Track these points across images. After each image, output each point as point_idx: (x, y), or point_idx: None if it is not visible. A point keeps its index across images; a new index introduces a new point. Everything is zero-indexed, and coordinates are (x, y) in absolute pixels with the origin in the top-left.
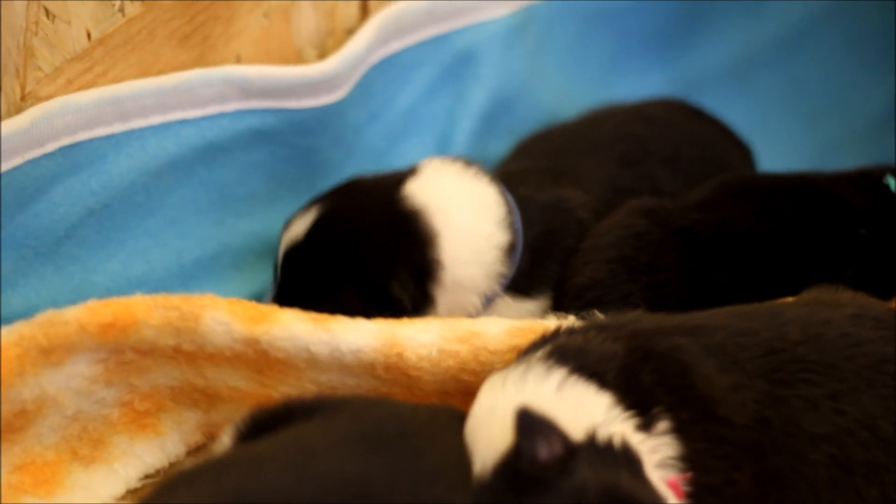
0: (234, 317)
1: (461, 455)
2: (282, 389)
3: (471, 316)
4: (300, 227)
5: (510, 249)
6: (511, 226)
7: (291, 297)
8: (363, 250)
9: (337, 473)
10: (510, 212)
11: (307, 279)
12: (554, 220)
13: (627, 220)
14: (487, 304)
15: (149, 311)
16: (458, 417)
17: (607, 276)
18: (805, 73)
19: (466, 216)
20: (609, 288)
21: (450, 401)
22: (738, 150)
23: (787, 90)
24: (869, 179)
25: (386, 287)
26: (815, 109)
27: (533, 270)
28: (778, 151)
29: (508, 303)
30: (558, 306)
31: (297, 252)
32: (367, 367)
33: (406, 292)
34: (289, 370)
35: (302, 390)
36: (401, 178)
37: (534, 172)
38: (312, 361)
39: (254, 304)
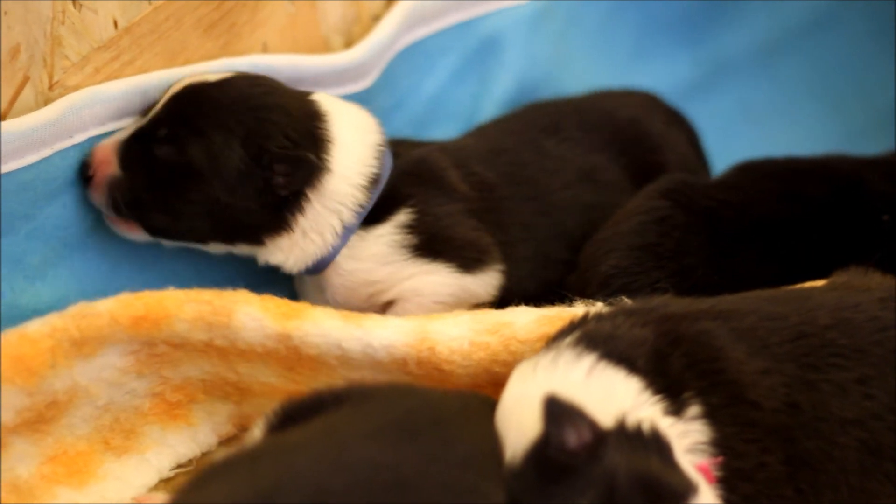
0: (267, 313)
1: (493, 443)
2: (313, 386)
3: (324, 252)
4: (210, 75)
5: (374, 180)
6: (381, 160)
7: (169, 129)
8: (268, 122)
9: (370, 463)
10: (384, 149)
11: (197, 121)
12: (416, 167)
13: (648, 204)
14: (344, 238)
15: (181, 305)
16: (488, 404)
17: (633, 264)
18: (829, 58)
19: (356, 133)
20: (636, 275)
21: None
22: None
23: (811, 75)
24: (894, 165)
25: (273, 161)
26: (839, 94)
27: (383, 202)
28: (802, 135)
29: (362, 235)
30: (584, 296)
31: (199, 89)
32: (399, 363)
33: (291, 179)
34: (320, 367)
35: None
36: (306, 92)
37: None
38: (344, 358)
39: (286, 301)
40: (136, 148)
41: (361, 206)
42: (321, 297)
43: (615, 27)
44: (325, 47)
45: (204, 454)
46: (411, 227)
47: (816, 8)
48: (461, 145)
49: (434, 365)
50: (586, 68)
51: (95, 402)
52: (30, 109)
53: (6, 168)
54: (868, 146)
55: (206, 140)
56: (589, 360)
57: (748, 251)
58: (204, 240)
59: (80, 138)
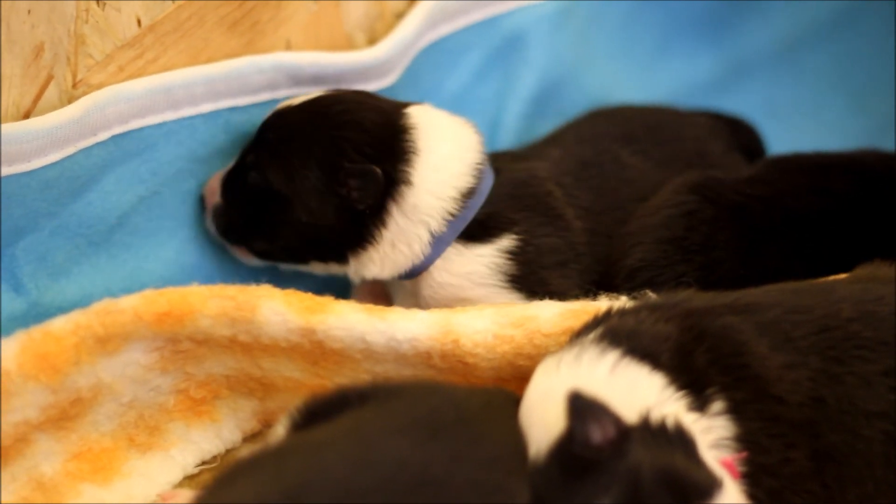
0: (290, 307)
1: (518, 440)
2: (337, 380)
3: (415, 261)
4: (300, 98)
5: (469, 194)
6: (480, 172)
7: (256, 155)
8: (342, 139)
9: (397, 461)
10: (484, 160)
11: (278, 146)
12: (521, 190)
13: (676, 198)
14: (438, 249)
15: (205, 300)
16: (512, 401)
17: (660, 257)
18: (853, 55)
19: (449, 147)
20: (662, 269)
21: (505, 387)
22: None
23: (835, 71)
24: None
25: (347, 177)
26: (863, 90)
27: (487, 221)
28: (826, 132)
29: (460, 250)
30: (610, 288)
31: (282, 113)
32: (423, 357)
33: (364, 193)
34: (344, 361)
35: (357, 381)
36: (405, 103)
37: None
38: (368, 352)
39: (310, 295)
40: (233, 176)
41: (453, 216)
42: (413, 302)
43: (637, 25)
44: (348, 44)
45: (228, 450)
46: (513, 255)
47: (838, 4)
48: (552, 158)
49: (458, 358)
50: (609, 66)
51: (120, 399)
52: (54, 108)
53: (31, 165)
54: (892, 142)
55: (284, 163)
56: (613, 356)
57: (775, 245)
58: (303, 260)
59: (103, 136)
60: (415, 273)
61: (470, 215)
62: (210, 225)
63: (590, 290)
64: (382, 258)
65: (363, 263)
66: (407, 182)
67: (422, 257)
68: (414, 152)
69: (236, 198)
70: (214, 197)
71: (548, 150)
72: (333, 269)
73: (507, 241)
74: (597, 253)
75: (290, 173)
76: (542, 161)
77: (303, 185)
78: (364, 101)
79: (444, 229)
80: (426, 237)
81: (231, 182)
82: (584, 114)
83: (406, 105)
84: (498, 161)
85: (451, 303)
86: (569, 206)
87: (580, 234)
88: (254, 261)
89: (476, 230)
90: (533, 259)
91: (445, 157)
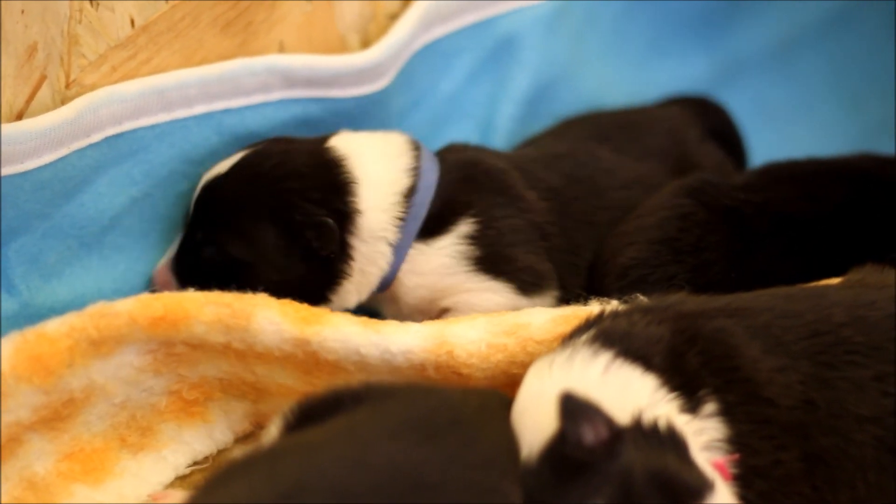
0: (286, 317)
1: (512, 442)
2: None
3: (384, 273)
4: (223, 165)
5: (410, 192)
6: (416, 170)
7: (204, 232)
8: (285, 192)
9: (392, 463)
10: (417, 158)
11: (224, 217)
12: (470, 170)
13: (671, 201)
14: (399, 255)
15: (200, 307)
16: (506, 403)
17: (651, 257)
18: (847, 56)
19: (379, 161)
20: (654, 268)
21: None
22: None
23: (828, 73)
24: None
25: (302, 229)
26: (857, 90)
27: (441, 212)
28: (819, 133)
29: (421, 249)
30: (601, 287)
31: (215, 185)
32: (417, 369)
33: (324, 241)
34: (338, 372)
35: None
36: (323, 138)
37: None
38: (362, 364)
39: (305, 306)
40: (185, 260)
41: (402, 220)
42: (397, 308)
43: (631, 26)
44: (341, 46)
45: (220, 451)
46: (474, 238)
47: (833, 5)
48: (521, 155)
49: (452, 369)
50: (603, 67)
51: (112, 400)
52: (47, 108)
53: (24, 167)
54: (886, 144)
55: (238, 232)
56: (605, 357)
57: (767, 249)
58: None
59: (97, 137)
60: (386, 285)
61: (422, 212)
62: None
63: (580, 293)
64: (357, 286)
65: (342, 297)
66: (357, 212)
67: (387, 267)
68: (353, 181)
69: (196, 276)
70: (169, 287)
71: (520, 148)
72: None
73: (464, 227)
74: (575, 237)
75: (247, 240)
76: (497, 153)
77: (263, 247)
78: (290, 149)
79: (400, 234)
80: (387, 252)
81: (184, 265)
82: (557, 121)
83: (325, 139)
84: (444, 152)
85: (431, 299)
86: (530, 189)
87: (544, 213)
88: None
89: (433, 224)
90: (495, 239)
91: (379, 172)
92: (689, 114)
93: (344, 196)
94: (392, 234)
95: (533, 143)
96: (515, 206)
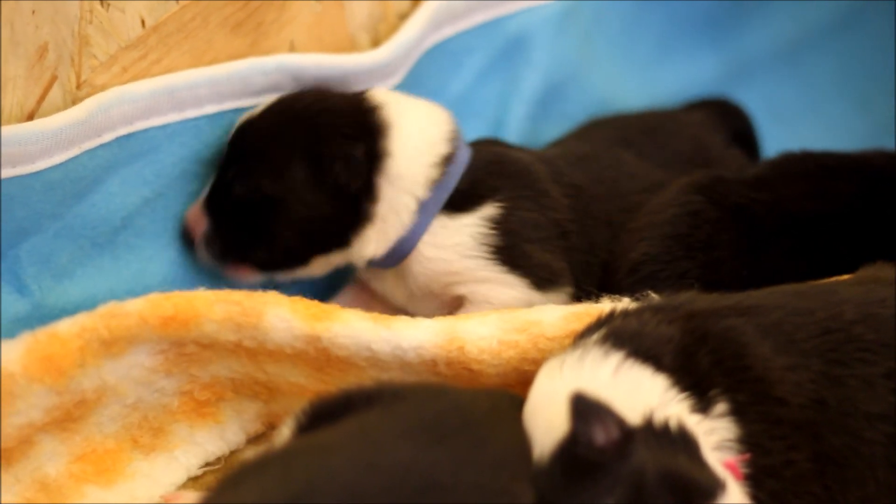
0: (296, 314)
1: (523, 443)
2: (342, 387)
3: (405, 229)
4: (258, 108)
5: (448, 160)
6: (455, 141)
7: (236, 170)
8: (318, 127)
9: (404, 464)
10: (457, 133)
11: (256, 153)
12: (500, 159)
13: (682, 198)
14: (423, 219)
15: (210, 305)
16: (517, 403)
17: (663, 252)
18: (854, 56)
19: (419, 118)
20: (665, 264)
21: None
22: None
23: (836, 72)
24: None
25: (332, 162)
26: (864, 91)
27: (469, 189)
28: (828, 133)
29: (445, 223)
30: (612, 282)
31: (248, 124)
32: (428, 364)
33: (352, 174)
34: (349, 368)
35: None
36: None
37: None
38: (373, 359)
39: (315, 303)
40: (216, 198)
41: (435, 182)
42: (402, 291)
43: (640, 26)
44: (351, 46)
45: (232, 452)
46: (496, 224)
47: (841, 6)
48: (546, 154)
49: (464, 365)
50: (612, 67)
51: (124, 401)
52: (58, 109)
53: (35, 167)
54: (893, 143)
55: (269, 166)
56: (616, 357)
57: (778, 246)
58: (305, 260)
59: (108, 137)
60: (404, 252)
61: (452, 183)
62: (203, 254)
63: (591, 291)
64: (378, 233)
65: (363, 243)
66: (388, 154)
67: (410, 228)
68: (388, 125)
69: (226, 216)
70: (201, 225)
71: (545, 149)
72: (335, 259)
73: (489, 210)
74: (593, 236)
75: (277, 174)
76: (524, 149)
77: (293, 182)
78: (324, 91)
79: (429, 195)
80: (413, 205)
81: (215, 203)
82: (581, 124)
83: (366, 90)
84: (473, 144)
85: (439, 279)
86: (554, 184)
87: (565, 210)
88: (254, 277)
89: (459, 200)
90: (515, 230)
91: (418, 127)
92: (714, 119)
93: (376, 136)
94: (422, 192)
95: (557, 145)
96: (539, 202)
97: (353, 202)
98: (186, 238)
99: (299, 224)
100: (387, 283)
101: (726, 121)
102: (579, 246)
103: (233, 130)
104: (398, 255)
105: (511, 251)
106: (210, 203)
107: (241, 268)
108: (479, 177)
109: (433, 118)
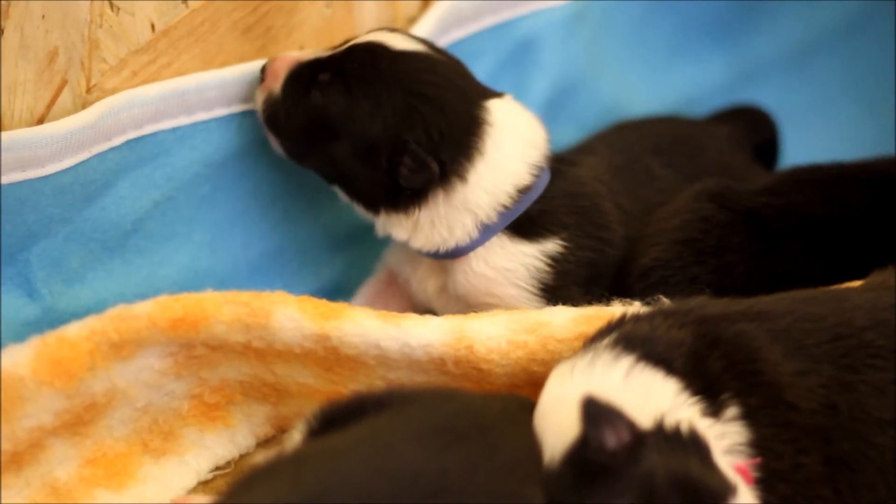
0: (305, 313)
1: (533, 447)
2: (351, 387)
3: (458, 244)
4: (402, 42)
5: (526, 190)
6: (538, 174)
7: (331, 75)
8: (425, 106)
9: (415, 469)
10: (545, 160)
11: (361, 80)
12: (576, 191)
13: (692, 204)
14: (483, 237)
15: (219, 307)
16: (528, 408)
17: (673, 258)
18: (863, 60)
19: (514, 152)
20: (676, 269)
21: (520, 393)
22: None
23: (845, 77)
24: None
25: (404, 151)
26: (873, 96)
27: (539, 218)
28: (836, 137)
29: (504, 243)
30: (623, 288)
31: (378, 53)
32: (436, 363)
33: (412, 179)
34: (359, 367)
35: (372, 387)
36: (491, 94)
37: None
38: (382, 358)
39: (323, 301)
40: (300, 78)
41: (506, 209)
42: (435, 282)
43: (649, 30)
44: None
45: (242, 456)
46: (554, 262)
47: (849, 10)
48: (590, 164)
49: (472, 364)
50: (621, 71)
51: (134, 405)
52: (68, 113)
53: (45, 171)
54: None
55: (353, 103)
56: (627, 361)
57: (788, 250)
58: (331, 181)
59: (117, 141)
60: (453, 254)
61: (522, 209)
62: (258, 104)
63: (603, 294)
64: (414, 229)
65: (392, 224)
66: (462, 178)
67: (467, 241)
68: (479, 151)
69: (293, 102)
70: (275, 82)
71: (581, 157)
72: (358, 209)
73: (552, 245)
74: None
75: (353, 116)
76: (592, 168)
77: (361, 132)
78: (452, 80)
79: (495, 220)
80: (471, 225)
81: (295, 83)
82: (611, 126)
83: (491, 94)
84: (553, 161)
85: (478, 292)
86: (616, 210)
87: (620, 243)
88: (281, 153)
89: (525, 225)
90: (570, 271)
91: (509, 158)
92: (741, 130)
93: (460, 156)
94: (486, 216)
95: (588, 149)
96: (600, 238)
97: (396, 190)
98: (261, 73)
99: (339, 159)
100: (420, 269)
101: (754, 130)
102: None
103: (365, 37)
104: (444, 254)
105: (558, 291)
106: (294, 74)
107: (277, 140)
108: (551, 207)
109: (529, 146)
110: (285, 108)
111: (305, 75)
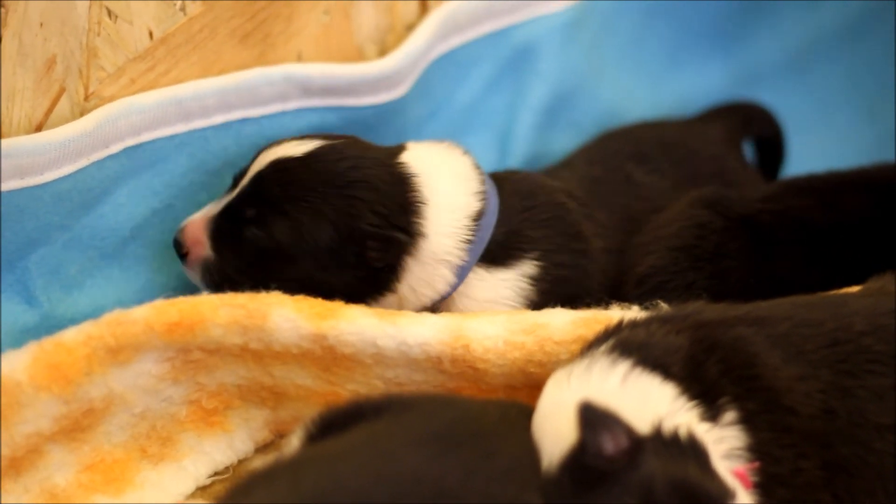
0: (301, 313)
1: (532, 453)
2: (349, 387)
3: (441, 295)
4: (298, 147)
5: (479, 215)
6: (483, 196)
7: (257, 210)
8: (354, 199)
9: (413, 475)
10: (483, 183)
11: (285, 198)
12: (531, 202)
13: (689, 211)
14: (461, 277)
15: (215, 309)
16: (526, 414)
17: (670, 264)
18: (863, 66)
19: (449, 185)
20: (672, 275)
21: (516, 394)
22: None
23: (844, 82)
24: None
25: (365, 238)
26: (872, 101)
27: (508, 241)
28: (835, 143)
29: (482, 275)
30: (620, 296)
31: (285, 167)
32: (433, 361)
33: (385, 257)
34: (356, 366)
35: (369, 387)
36: (397, 148)
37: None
38: (379, 356)
39: (320, 301)
40: (225, 228)
41: (470, 241)
42: None
43: (648, 36)
44: (359, 56)
45: (241, 461)
46: (536, 281)
47: (849, 16)
48: (562, 177)
49: (468, 363)
50: (620, 76)
51: (132, 410)
52: (66, 120)
53: (43, 178)
54: None
55: (293, 222)
56: (624, 366)
57: (786, 257)
58: (311, 296)
59: (116, 148)
60: (438, 302)
61: (486, 236)
62: (195, 276)
63: (601, 298)
64: (401, 300)
65: (381, 304)
66: (421, 235)
67: (448, 289)
68: (422, 202)
69: (232, 252)
70: (201, 249)
71: (557, 171)
72: None
73: (528, 267)
74: (608, 271)
75: (300, 233)
76: (547, 175)
77: (315, 245)
78: (365, 156)
79: (466, 257)
80: (448, 275)
81: (223, 236)
82: (596, 136)
83: (397, 151)
84: (496, 177)
85: None
86: (586, 220)
87: (599, 254)
88: None
89: (496, 252)
90: (550, 289)
91: (450, 196)
92: (736, 130)
93: (411, 217)
94: (457, 258)
95: (567, 163)
96: (575, 250)
97: (374, 274)
98: (178, 251)
99: (309, 281)
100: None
101: (751, 128)
102: (601, 284)
103: (264, 160)
104: (431, 306)
105: (543, 307)
106: (216, 229)
107: None
108: (514, 226)
109: (461, 178)
110: (230, 262)
111: (229, 222)
